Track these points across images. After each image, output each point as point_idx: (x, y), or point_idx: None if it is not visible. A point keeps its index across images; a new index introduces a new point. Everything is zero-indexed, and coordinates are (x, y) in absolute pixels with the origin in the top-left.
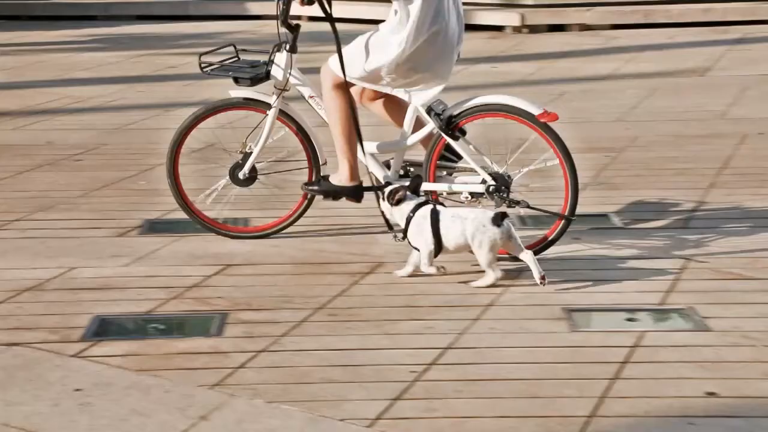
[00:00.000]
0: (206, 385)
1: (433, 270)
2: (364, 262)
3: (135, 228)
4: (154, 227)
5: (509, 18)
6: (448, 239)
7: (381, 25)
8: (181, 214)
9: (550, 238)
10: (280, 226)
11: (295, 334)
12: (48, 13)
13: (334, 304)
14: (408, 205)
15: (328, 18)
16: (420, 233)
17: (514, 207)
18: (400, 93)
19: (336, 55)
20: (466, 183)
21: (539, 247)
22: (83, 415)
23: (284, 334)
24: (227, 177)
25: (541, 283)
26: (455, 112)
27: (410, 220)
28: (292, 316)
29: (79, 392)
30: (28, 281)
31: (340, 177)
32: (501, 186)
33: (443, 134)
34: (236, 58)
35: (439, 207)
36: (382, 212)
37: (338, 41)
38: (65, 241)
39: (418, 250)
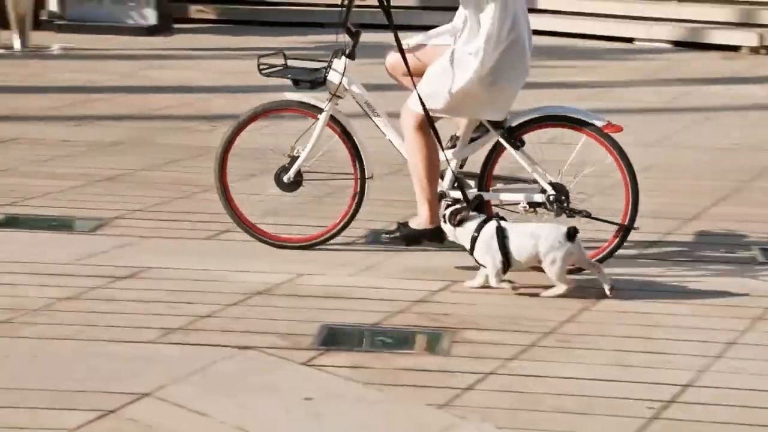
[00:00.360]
0: (435, 404)
1: (504, 285)
2: (594, 287)
3: (362, 237)
4: (377, 239)
5: (746, 38)
6: (521, 256)
7: (456, 44)
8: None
9: (609, 249)
10: (323, 238)
11: (524, 358)
12: (278, 20)
13: (565, 329)
14: (471, 224)
15: (386, 13)
16: (488, 251)
17: (574, 216)
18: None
19: (415, 94)
20: (525, 192)
21: (598, 258)
22: (314, 425)
23: (512, 357)
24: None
25: (610, 293)
26: (517, 122)
27: (476, 239)
28: (520, 339)
29: (310, 401)
30: (258, 285)
31: (419, 221)
32: (561, 195)
33: (505, 143)
34: (285, 66)
35: (503, 223)
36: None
37: (399, 43)
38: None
39: (485, 267)
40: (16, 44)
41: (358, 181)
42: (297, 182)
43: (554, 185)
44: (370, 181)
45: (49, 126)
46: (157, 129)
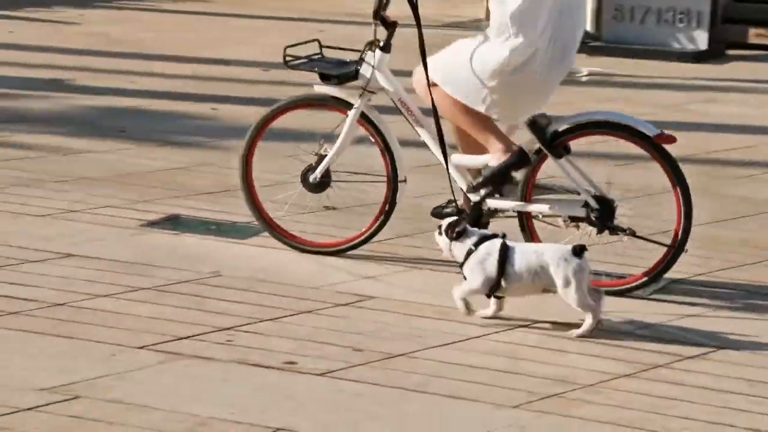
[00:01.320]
0: None
1: (461, 305)
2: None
3: None
4: None
5: None
6: (524, 276)
7: (487, 30)
8: None
9: (656, 272)
10: (352, 244)
11: None
12: None
13: None
14: (470, 239)
15: (414, 11)
16: (480, 269)
17: (618, 234)
18: (494, 114)
19: (420, 67)
20: (567, 206)
21: (643, 280)
22: None
23: None
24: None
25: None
26: (561, 128)
27: (471, 253)
28: None
29: None
30: None
31: (496, 156)
32: (605, 211)
33: (546, 151)
34: (320, 55)
35: (509, 242)
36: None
37: (422, 41)
38: None
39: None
40: None
41: (390, 183)
42: (324, 182)
43: (599, 199)
44: (403, 184)
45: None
46: (718, 177)
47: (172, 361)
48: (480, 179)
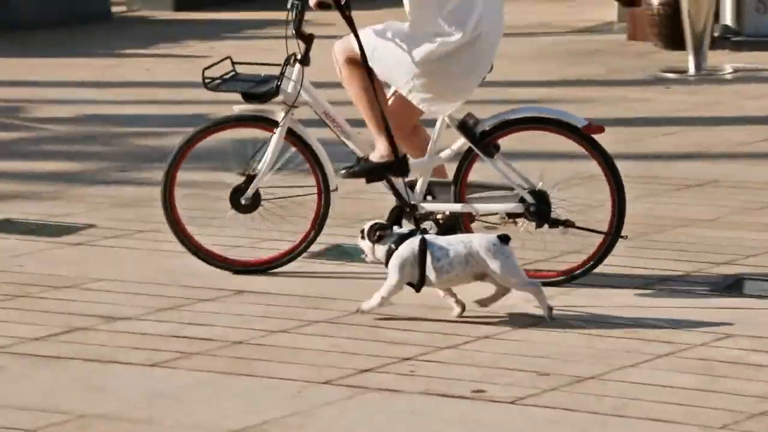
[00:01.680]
0: None
1: (377, 302)
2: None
3: None
4: None
5: None
6: (452, 268)
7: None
8: None
9: (595, 259)
10: (288, 258)
11: None
12: None
13: None
14: (390, 238)
15: (347, 20)
16: (401, 266)
17: (557, 227)
18: (414, 100)
19: (352, 35)
20: (503, 203)
21: (584, 269)
22: None
23: None
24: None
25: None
26: (489, 127)
27: (392, 252)
28: None
29: None
30: None
31: (380, 152)
32: (541, 205)
33: (477, 150)
34: (233, 72)
35: (429, 237)
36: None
37: (355, 31)
38: None
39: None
40: (691, 67)
41: (322, 194)
42: (255, 203)
43: (534, 193)
44: (335, 193)
45: (749, 165)
46: None
47: (359, 396)
48: (354, 167)
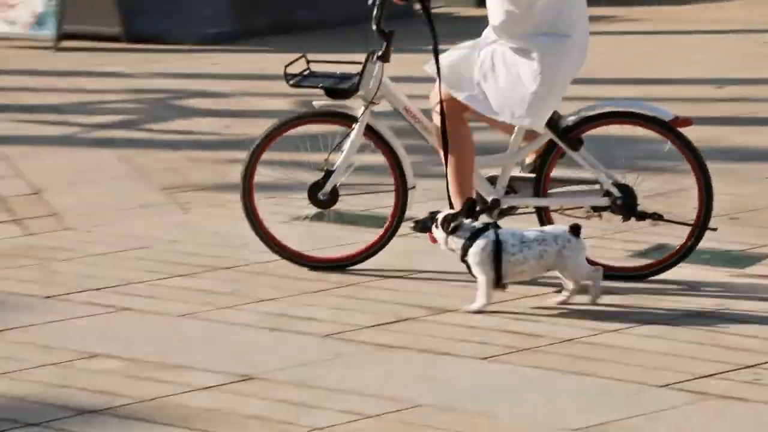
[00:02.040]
0: None
1: (482, 304)
2: None
3: None
4: None
5: None
6: (525, 265)
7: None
8: None
9: (683, 251)
10: (363, 256)
11: None
12: None
13: None
14: (464, 232)
15: (427, 17)
16: (480, 263)
17: (644, 219)
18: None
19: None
20: (588, 196)
21: (671, 261)
22: None
23: None
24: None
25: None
26: (574, 121)
27: (467, 248)
28: None
29: None
30: None
31: (457, 201)
32: (627, 197)
33: (562, 144)
34: (309, 71)
35: (501, 232)
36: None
37: (436, 44)
38: None
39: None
40: None
41: (399, 191)
42: (333, 198)
43: (619, 186)
44: (413, 191)
45: None
46: None
47: (699, 402)
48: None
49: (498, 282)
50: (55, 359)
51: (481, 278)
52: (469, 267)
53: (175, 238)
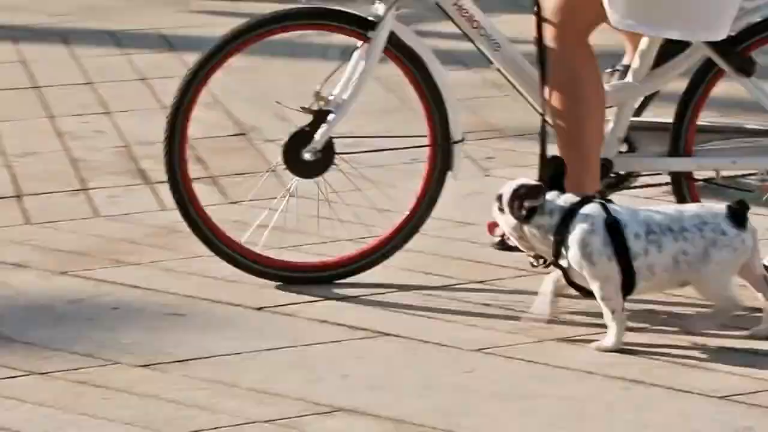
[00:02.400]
0: None
1: (614, 342)
2: None
3: None
4: None
5: None
6: (660, 265)
7: None
8: None
9: None
10: (378, 254)
11: None
12: None
13: None
14: (550, 216)
15: None
16: (594, 261)
17: None
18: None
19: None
20: (764, 156)
21: None
22: None
23: None
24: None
25: None
26: (741, 29)
27: (562, 243)
28: None
29: None
30: None
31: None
32: None
33: (724, 66)
34: None
35: (614, 208)
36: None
37: None
38: None
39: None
40: None
41: (437, 147)
42: (327, 158)
43: None
44: (460, 146)
45: None
46: None
47: None
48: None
49: (630, 290)
50: None
51: (602, 296)
52: (567, 275)
53: None
